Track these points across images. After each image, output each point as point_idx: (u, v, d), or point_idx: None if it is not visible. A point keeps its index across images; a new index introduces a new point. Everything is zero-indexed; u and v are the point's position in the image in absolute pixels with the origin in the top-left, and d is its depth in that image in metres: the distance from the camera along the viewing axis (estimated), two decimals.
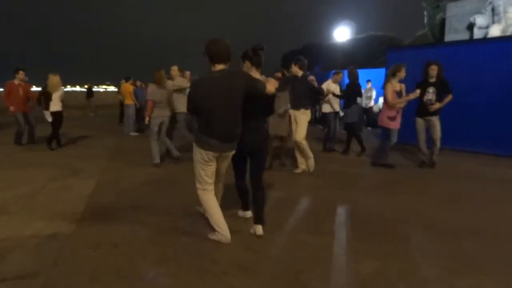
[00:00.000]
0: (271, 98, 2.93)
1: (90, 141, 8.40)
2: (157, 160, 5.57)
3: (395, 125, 5.35)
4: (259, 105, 2.87)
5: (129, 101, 9.66)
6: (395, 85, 5.27)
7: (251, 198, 3.16)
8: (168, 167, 5.56)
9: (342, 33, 25.57)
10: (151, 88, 5.46)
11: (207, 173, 2.81)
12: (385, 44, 20.23)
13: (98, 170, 5.40)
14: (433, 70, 5.18)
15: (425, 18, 15.87)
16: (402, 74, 5.25)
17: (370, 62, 18.78)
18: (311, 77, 5.08)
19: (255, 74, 2.91)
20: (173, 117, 5.94)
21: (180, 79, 6.31)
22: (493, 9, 11.24)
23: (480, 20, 11.50)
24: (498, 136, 6.56)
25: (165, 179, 4.92)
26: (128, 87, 9.80)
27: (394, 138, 5.45)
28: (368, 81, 11.34)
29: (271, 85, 2.76)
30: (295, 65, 5.03)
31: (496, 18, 11.16)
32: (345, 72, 11.67)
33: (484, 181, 4.97)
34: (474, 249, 2.82)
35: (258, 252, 2.73)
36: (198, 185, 2.88)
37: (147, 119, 5.52)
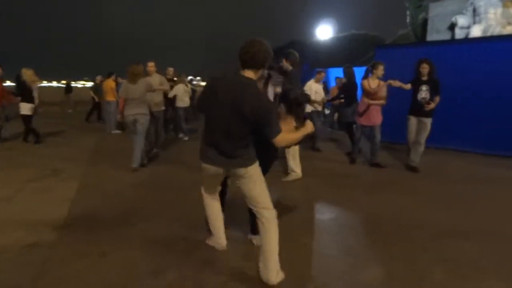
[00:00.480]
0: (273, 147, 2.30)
1: (69, 139, 8.00)
2: (144, 160, 5.34)
3: (360, 120, 5.61)
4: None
5: (111, 98, 9.30)
6: (372, 82, 5.40)
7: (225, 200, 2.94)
8: (156, 168, 5.33)
9: (324, 31, 25.77)
10: (124, 84, 5.22)
11: (208, 183, 2.57)
12: (366, 43, 20.44)
13: (80, 170, 5.11)
14: (424, 68, 5.12)
15: (408, 18, 16.10)
16: (379, 72, 5.36)
17: (352, 60, 18.92)
18: (278, 89, 4.46)
19: (287, 121, 2.42)
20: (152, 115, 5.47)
21: (157, 77, 6.06)
22: (474, 10, 11.53)
23: (461, 21, 11.77)
24: (485, 135, 6.67)
25: (153, 180, 4.69)
26: (110, 83, 9.45)
27: (358, 134, 5.83)
28: None
29: (284, 140, 2.16)
30: (286, 60, 4.59)
31: (477, 18, 11.44)
32: (329, 70, 11.64)
33: (474, 180, 5.02)
34: (470, 249, 2.81)
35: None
36: (202, 188, 2.67)
37: (118, 116, 5.31)
